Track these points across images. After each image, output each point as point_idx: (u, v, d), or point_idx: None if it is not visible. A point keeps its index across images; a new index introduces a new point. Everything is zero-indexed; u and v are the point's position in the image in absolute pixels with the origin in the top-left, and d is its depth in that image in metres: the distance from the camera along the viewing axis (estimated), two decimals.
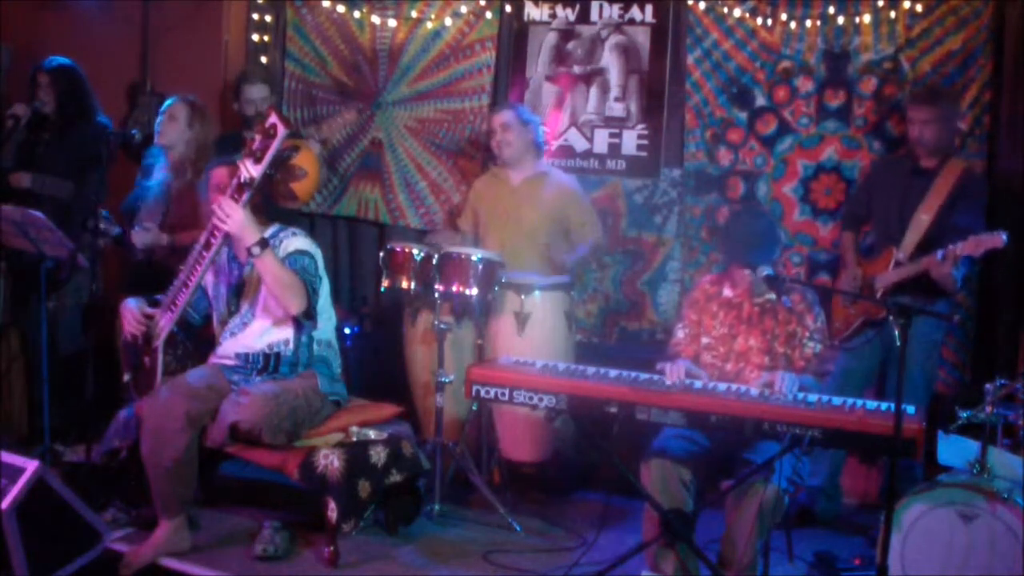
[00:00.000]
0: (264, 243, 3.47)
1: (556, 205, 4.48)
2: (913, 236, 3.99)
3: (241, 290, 3.75)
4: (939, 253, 3.78)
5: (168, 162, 4.50)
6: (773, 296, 3.51)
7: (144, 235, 4.36)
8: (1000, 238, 3.65)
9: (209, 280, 3.80)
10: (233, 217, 3.42)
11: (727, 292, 3.60)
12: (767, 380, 3.29)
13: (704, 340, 3.60)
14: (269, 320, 3.69)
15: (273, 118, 3.38)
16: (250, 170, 3.42)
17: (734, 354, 3.54)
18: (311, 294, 3.59)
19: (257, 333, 3.70)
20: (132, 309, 3.75)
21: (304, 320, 3.63)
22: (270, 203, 3.66)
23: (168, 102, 4.55)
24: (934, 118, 4.03)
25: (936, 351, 4.13)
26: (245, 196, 3.44)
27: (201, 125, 4.50)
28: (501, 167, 4.62)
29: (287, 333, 3.71)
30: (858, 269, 4.17)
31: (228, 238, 3.56)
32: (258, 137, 3.40)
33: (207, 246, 3.56)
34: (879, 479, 4.47)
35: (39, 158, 4.63)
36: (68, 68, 4.71)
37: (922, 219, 3.99)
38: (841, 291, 4.15)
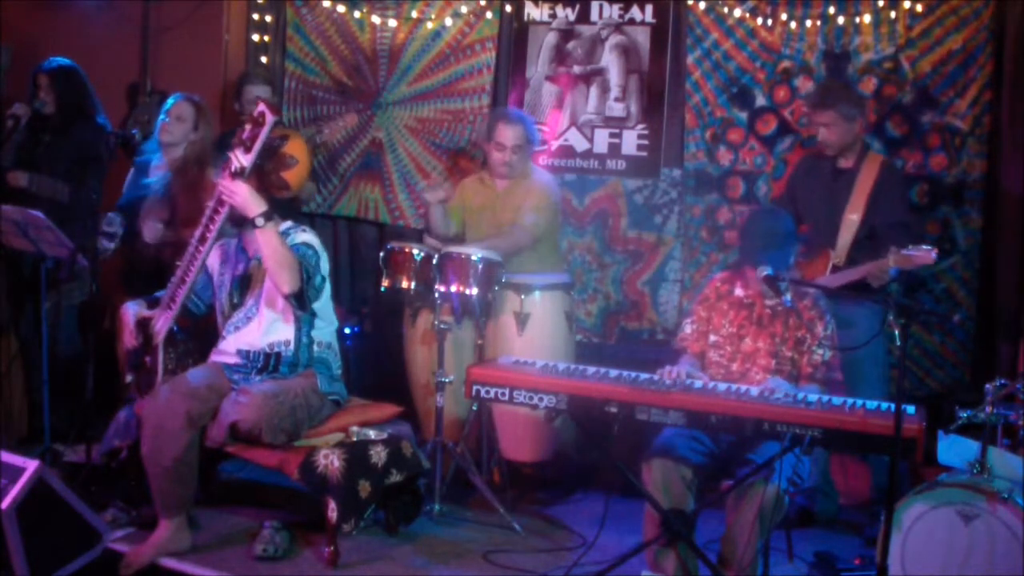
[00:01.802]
0: (269, 215, 3.47)
1: (525, 201, 4.45)
2: (846, 237, 4.00)
3: (247, 284, 3.75)
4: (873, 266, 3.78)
5: (166, 160, 4.49)
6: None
7: (155, 229, 4.32)
8: (930, 255, 3.62)
9: (215, 267, 3.80)
10: (239, 191, 3.43)
11: (739, 291, 3.58)
12: (765, 388, 3.27)
13: (712, 338, 3.59)
14: (272, 317, 3.69)
15: (261, 107, 3.39)
16: (241, 160, 3.43)
17: (741, 354, 3.53)
18: (305, 281, 3.57)
19: (260, 330, 3.70)
20: (130, 318, 3.76)
21: (294, 305, 3.59)
22: (275, 203, 3.66)
23: (172, 100, 4.53)
24: (832, 120, 4.01)
25: (883, 346, 4.06)
26: None
27: (205, 125, 4.50)
28: (490, 175, 4.57)
29: (288, 333, 3.71)
30: (796, 270, 4.16)
31: (222, 233, 3.56)
32: (248, 126, 3.41)
33: (202, 240, 3.56)
34: (868, 478, 4.44)
35: (39, 159, 4.61)
36: (68, 68, 4.70)
37: (851, 219, 3.99)
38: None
